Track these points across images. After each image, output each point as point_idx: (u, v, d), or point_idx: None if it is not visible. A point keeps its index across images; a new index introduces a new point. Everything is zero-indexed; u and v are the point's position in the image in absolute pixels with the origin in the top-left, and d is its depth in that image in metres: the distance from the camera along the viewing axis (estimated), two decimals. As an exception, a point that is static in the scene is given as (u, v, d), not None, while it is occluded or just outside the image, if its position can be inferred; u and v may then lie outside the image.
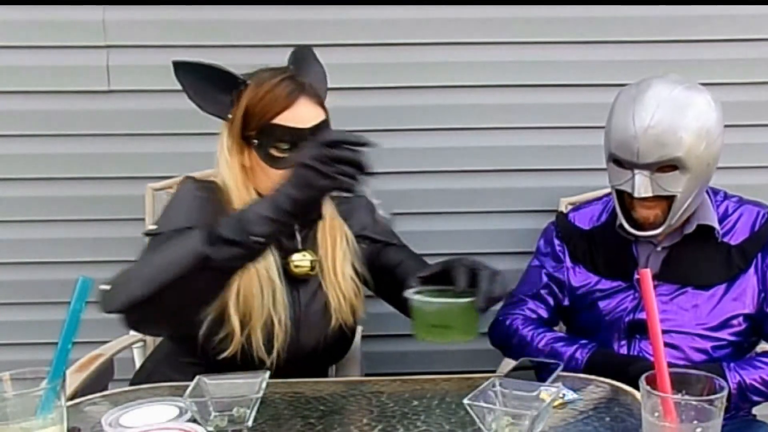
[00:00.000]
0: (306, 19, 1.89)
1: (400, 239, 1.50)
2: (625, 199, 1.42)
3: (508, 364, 1.49)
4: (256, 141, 1.30)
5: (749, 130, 1.95)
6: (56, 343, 0.96)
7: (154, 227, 1.31)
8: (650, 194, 1.36)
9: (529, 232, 1.76)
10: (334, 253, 1.36)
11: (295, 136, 1.27)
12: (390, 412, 1.16)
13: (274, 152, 1.28)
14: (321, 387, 1.28)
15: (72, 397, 1.27)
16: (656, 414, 0.88)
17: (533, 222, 1.67)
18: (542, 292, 1.57)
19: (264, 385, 1.09)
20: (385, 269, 1.42)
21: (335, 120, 1.93)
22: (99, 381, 1.53)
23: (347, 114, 1.94)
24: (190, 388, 1.10)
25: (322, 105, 1.33)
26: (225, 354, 1.26)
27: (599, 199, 1.62)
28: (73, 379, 1.44)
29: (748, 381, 1.34)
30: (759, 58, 1.94)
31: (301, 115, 1.28)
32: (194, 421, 1.06)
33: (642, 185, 1.36)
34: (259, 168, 1.31)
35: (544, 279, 1.57)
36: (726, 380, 1.30)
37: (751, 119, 1.96)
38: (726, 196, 1.50)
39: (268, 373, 1.14)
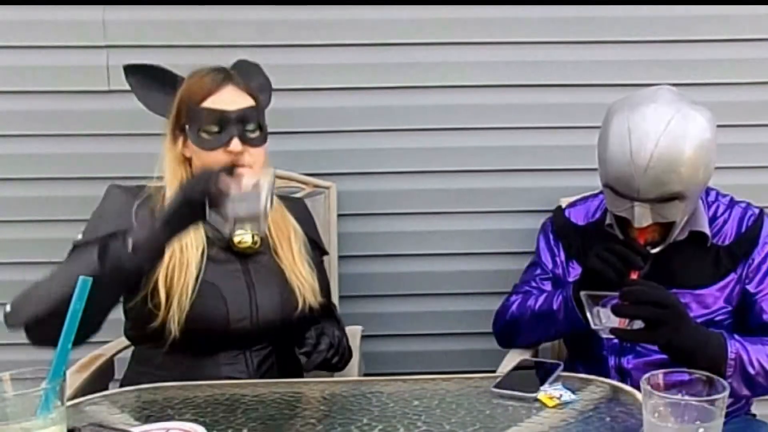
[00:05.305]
0: (306, 19, 1.89)
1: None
2: (624, 218, 1.41)
3: (509, 363, 1.49)
4: (187, 126, 1.37)
5: (748, 130, 1.95)
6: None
7: (80, 237, 1.36)
8: (650, 222, 1.36)
9: (529, 232, 1.76)
10: (290, 242, 1.46)
11: (221, 118, 1.34)
12: (390, 412, 1.16)
13: (204, 135, 1.35)
14: (321, 387, 1.28)
15: (72, 397, 1.27)
16: (657, 414, 0.88)
17: (533, 222, 1.67)
18: (543, 283, 1.59)
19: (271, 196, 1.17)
20: None
21: (340, 120, 1.96)
22: (99, 381, 1.54)
23: (347, 114, 1.95)
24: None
25: (252, 96, 1.40)
26: (156, 322, 1.32)
27: (596, 195, 1.62)
28: (74, 379, 1.44)
29: (752, 354, 1.31)
30: (758, 58, 1.93)
31: (227, 99, 1.36)
32: None
33: (642, 216, 1.35)
34: (195, 155, 1.38)
35: (544, 272, 1.60)
36: (726, 349, 1.30)
37: (750, 119, 1.95)
38: (717, 197, 1.49)
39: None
